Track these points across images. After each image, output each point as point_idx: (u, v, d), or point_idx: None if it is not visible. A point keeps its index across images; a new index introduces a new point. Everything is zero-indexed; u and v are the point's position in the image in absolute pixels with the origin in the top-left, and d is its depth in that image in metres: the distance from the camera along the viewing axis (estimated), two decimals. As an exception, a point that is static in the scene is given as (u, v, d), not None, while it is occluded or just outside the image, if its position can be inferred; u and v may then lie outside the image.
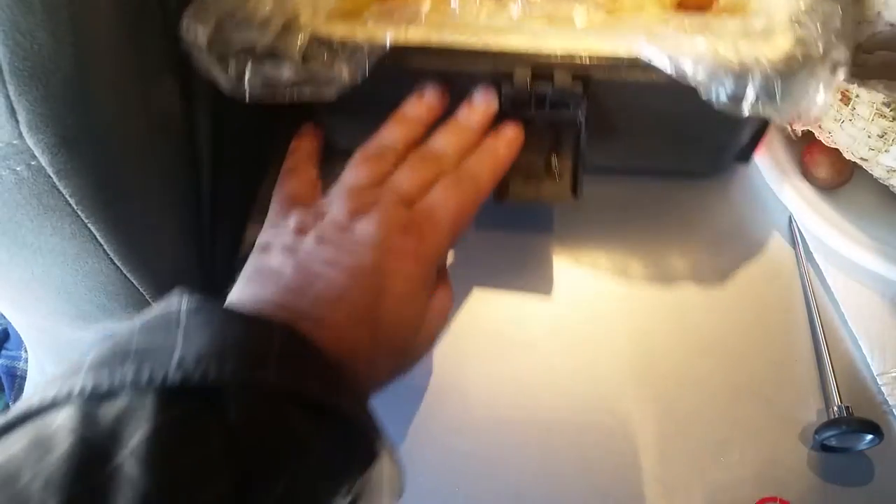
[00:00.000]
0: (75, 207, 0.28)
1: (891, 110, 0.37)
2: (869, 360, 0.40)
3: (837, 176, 0.43)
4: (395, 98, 0.37)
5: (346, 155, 0.35)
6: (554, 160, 0.39)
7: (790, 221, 0.44)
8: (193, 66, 0.32)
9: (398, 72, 0.35)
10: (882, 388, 0.39)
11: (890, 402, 0.39)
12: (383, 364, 0.30)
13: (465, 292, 0.43)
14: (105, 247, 0.31)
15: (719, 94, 0.31)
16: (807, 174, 0.43)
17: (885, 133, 0.38)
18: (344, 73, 0.33)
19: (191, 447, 0.21)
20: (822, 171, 0.43)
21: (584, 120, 0.36)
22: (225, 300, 0.32)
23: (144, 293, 0.35)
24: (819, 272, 0.43)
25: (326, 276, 0.29)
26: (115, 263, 0.32)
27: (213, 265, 0.41)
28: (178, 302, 0.25)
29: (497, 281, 0.43)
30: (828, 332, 0.41)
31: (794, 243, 0.44)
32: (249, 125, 0.38)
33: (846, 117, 0.38)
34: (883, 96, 0.37)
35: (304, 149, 0.38)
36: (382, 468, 0.27)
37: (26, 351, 0.58)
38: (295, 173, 0.37)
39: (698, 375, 0.40)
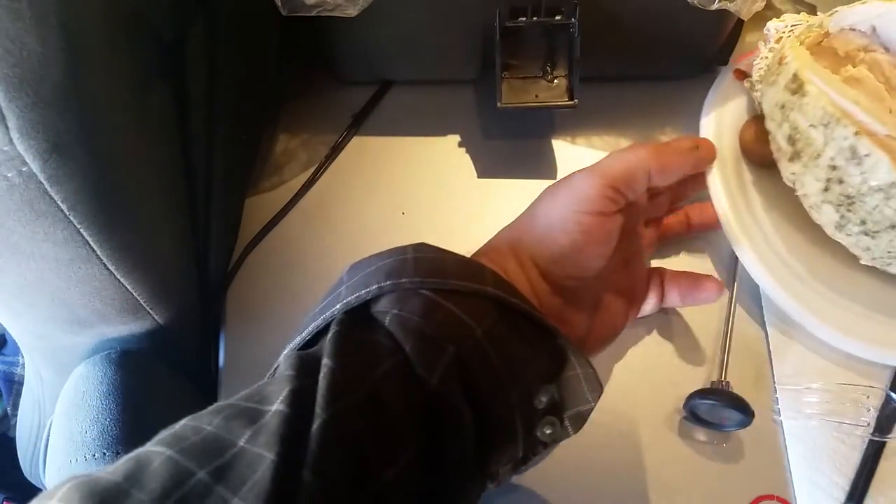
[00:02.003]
0: (67, 213, 0.28)
1: (793, 82, 0.35)
2: (773, 365, 0.40)
3: (765, 148, 0.40)
4: (400, 28, 0.41)
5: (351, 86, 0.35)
6: (549, 67, 0.42)
7: None
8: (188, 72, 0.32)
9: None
10: (776, 396, 0.39)
11: (780, 413, 0.39)
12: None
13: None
14: (98, 252, 0.31)
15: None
16: (743, 149, 0.42)
17: (784, 106, 0.36)
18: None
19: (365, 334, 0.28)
20: (755, 145, 0.40)
21: (577, 24, 0.40)
22: (219, 303, 0.33)
23: (139, 298, 0.35)
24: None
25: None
26: (108, 268, 0.32)
27: (207, 269, 0.41)
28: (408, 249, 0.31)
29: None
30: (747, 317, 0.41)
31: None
32: (240, 131, 0.38)
33: (771, 80, 0.37)
34: (797, 65, 0.35)
35: None
36: (576, 368, 0.31)
37: (23, 356, 0.58)
38: None
39: (695, 372, 0.41)
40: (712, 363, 0.41)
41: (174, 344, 0.40)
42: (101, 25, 0.29)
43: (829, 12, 0.40)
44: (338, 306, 0.28)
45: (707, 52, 0.46)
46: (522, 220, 0.36)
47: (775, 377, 0.40)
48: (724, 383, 0.39)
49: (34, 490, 0.53)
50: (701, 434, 0.39)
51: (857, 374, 0.39)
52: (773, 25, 0.41)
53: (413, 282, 0.28)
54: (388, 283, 0.28)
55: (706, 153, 0.39)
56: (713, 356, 0.41)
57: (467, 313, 0.28)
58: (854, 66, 0.39)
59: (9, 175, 0.26)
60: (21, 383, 0.59)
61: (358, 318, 0.28)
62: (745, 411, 0.36)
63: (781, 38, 0.40)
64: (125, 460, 0.24)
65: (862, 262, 0.37)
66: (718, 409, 0.37)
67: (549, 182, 0.44)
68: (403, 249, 0.31)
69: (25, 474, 0.53)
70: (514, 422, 0.29)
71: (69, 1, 0.26)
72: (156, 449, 0.24)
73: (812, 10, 0.48)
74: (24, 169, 0.26)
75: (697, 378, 0.40)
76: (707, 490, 0.38)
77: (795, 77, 0.35)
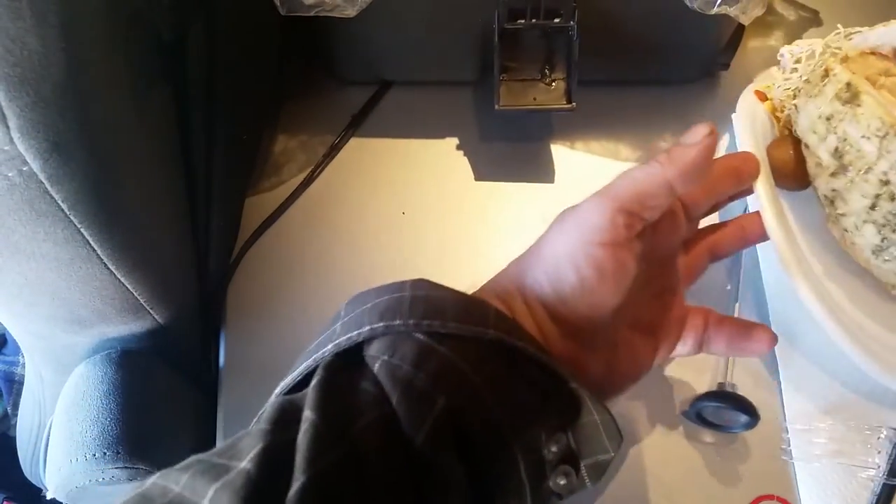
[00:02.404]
0: (68, 213, 0.28)
1: (846, 91, 0.34)
2: (785, 405, 0.39)
3: (798, 168, 0.38)
4: (399, 28, 0.42)
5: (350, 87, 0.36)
6: (547, 70, 0.42)
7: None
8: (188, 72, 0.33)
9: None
10: (786, 436, 0.38)
11: (791, 456, 0.38)
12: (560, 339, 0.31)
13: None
14: (98, 252, 0.31)
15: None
16: (773, 168, 0.40)
17: (832, 117, 0.34)
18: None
19: (349, 389, 0.26)
20: (785, 164, 0.38)
21: (576, 27, 0.40)
22: (219, 302, 0.33)
23: (139, 297, 0.35)
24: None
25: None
26: (108, 268, 0.32)
27: (207, 269, 0.42)
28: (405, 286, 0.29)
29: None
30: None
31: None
32: (240, 131, 0.38)
33: (814, 92, 0.36)
34: (848, 77, 0.34)
35: None
36: (592, 414, 0.29)
37: (23, 356, 0.58)
38: None
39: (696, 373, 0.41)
40: (714, 365, 0.41)
41: (174, 343, 0.40)
42: (101, 25, 0.29)
43: (846, 33, 0.39)
44: (329, 347, 0.27)
45: (707, 56, 0.46)
46: (529, 254, 0.33)
47: (786, 417, 0.39)
48: (730, 385, 0.39)
49: (34, 490, 0.53)
50: (701, 434, 0.39)
51: (867, 413, 0.39)
52: (786, 50, 0.40)
53: (407, 324, 0.27)
54: (380, 324, 0.27)
55: (750, 167, 0.36)
56: (714, 358, 0.41)
57: (464, 358, 0.27)
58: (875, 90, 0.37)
59: (9, 174, 0.26)
60: (21, 383, 0.59)
61: (349, 361, 0.27)
62: (752, 413, 0.36)
63: (800, 58, 0.39)
64: None
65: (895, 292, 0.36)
66: (725, 412, 0.37)
67: (546, 185, 0.43)
68: (401, 286, 0.29)
69: (25, 474, 0.53)
70: (518, 474, 0.27)
71: (69, 1, 0.26)
72: None
73: (815, 15, 0.48)
74: (24, 168, 0.26)
75: (697, 379, 0.40)
76: (707, 490, 0.38)
77: (849, 86, 0.34)
